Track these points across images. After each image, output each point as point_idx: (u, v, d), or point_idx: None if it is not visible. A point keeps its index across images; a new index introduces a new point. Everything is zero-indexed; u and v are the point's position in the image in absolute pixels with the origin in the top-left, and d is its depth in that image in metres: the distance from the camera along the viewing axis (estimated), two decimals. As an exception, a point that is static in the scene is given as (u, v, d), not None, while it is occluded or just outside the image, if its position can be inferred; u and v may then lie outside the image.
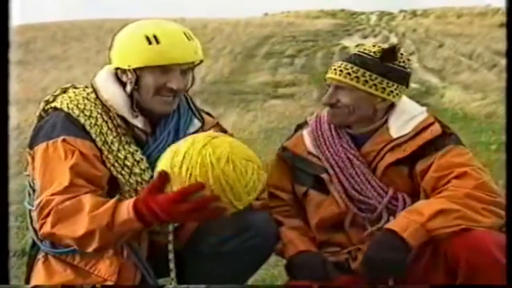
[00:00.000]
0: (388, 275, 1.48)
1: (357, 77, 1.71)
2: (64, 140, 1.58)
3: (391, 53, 1.72)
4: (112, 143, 1.64)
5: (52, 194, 1.53)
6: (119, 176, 1.64)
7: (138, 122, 1.68)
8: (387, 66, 1.73)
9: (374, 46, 1.79)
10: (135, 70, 1.63)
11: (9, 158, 1.57)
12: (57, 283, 1.57)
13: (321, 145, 1.79)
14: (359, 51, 1.77)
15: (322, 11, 32.63)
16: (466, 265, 1.47)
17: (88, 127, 1.63)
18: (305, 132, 1.87)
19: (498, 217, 1.55)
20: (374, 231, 1.66)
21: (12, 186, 1.58)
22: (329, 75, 1.77)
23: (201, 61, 1.72)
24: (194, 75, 1.77)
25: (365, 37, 21.56)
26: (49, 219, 1.51)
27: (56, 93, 1.74)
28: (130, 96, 1.67)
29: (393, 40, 20.50)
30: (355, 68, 1.72)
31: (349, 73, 1.71)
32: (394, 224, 1.53)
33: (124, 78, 1.68)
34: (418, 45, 18.19)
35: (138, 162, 1.66)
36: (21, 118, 5.95)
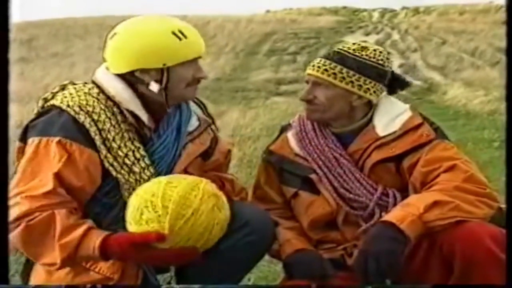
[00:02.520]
0: (386, 268, 1.45)
1: (334, 74, 1.72)
2: (59, 142, 1.54)
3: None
4: (113, 140, 1.61)
5: (27, 197, 1.48)
6: (119, 176, 1.62)
7: (145, 118, 1.67)
8: (366, 63, 1.74)
9: (354, 44, 1.81)
10: (168, 67, 1.61)
11: (10, 158, 1.56)
12: (57, 282, 1.56)
13: (306, 146, 1.79)
14: (338, 48, 1.79)
15: (324, 8, 32.61)
16: (462, 257, 1.47)
17: (88, 125, 1.59)
18: (290, 134, 1.87)
19: (490, 207, 1.56)
20: (368, 228, 1.65)
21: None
22: (307, 71, 1.79)
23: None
24: None
25: (367, 34, 21.53)
26: (18, 232, 1.45)
27: (55, 91, 1.70)
28: (140, 94, 1.66)
29: (396, 37, 20.48)
30: (332, 64, 1.73)
31: (326, 70, 1.73)
32: (391, 216, 1.52)
33: (145, 78, 1.63)
34: (420, 42, 18.16)
35: (138, 160, 1.64)
36: (23, 115, 5.96)
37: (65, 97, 1.65)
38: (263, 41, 19.57)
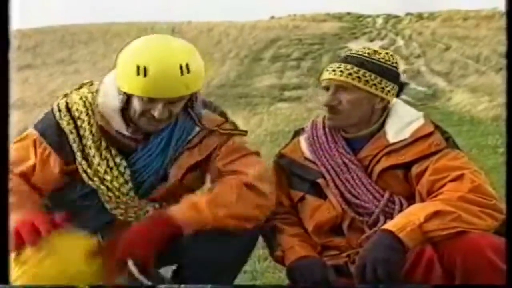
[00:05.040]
0: (382, 276, 1.46)
1: (359, 77, 1.72)
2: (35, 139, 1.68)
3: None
4: (90, 148, 1.68)
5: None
6: (90, 182, 1.67)
7: (124, 130, 1.69)
8: (383, 66, 1.75)
9: (364, 48, 1.84)
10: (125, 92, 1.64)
11: (9, 158, 1.57)
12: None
13: (317, 151, 1.79)
14: (352, 53, 1.81)
15: (329, 14, 32.68)
16: (463, 267, 1.47)
17: (68, 132, 1.68)
18: (302, 138, 1.87)
19: (494, 219, 1.54)
20: (372, 234, 1.65)
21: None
22: (328, 76, 1.77)
23: (196, 92, 1.71)
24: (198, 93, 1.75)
25: (371, 40, 21.56)
26: None
27: (74, 88, 1.80)
28: (121, 110, 1.69)
29: (400, 43, 20.49)
30: (355, 68, 1.73)
31: (350, 74, 1.72)
32: (391, 224, 1.52)
33: (121, 95, 1.67)
34: (424, 48, 18.16)
35: (111, 168, 1.68)
36: (27, 122, 5.99)
37: (68, 98, 1.73)
38: (267, 47, 19.62)
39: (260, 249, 2.34)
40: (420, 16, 29.33)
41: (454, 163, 1.64)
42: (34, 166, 1.68)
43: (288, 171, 1.84)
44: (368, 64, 1.74)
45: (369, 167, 1.72)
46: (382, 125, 1.77)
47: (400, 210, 1.65)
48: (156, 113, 1.63)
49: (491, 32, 20.73)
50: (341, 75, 1.73)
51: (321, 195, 1.75)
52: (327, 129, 1.81)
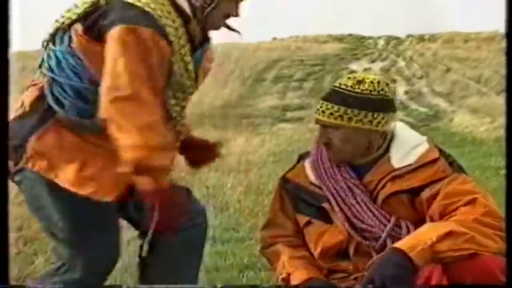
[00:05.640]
0: None
1: (341, 116, 1.72)
2: (152, 34, 1.59)
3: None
4: (185, 53, 1.71)
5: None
6: (182, 81, 1.71)
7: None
8: (366, 98, 1.73)
9: (349, 78, 1.79)
10: None
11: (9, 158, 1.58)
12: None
13: (322, 175, 1.80)
14: (335, 87, 1.79)
15: (330, 35, 32.84)
16: None
17: (167, 29, 1.64)
18: (307, 163, 1.87)
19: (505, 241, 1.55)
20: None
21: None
22: (315, 116, 1.80)
23: None
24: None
25: (373, 61, 21.64)
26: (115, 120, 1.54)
27: None
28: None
29: (401, 64, 20.58)
30: (335, 107, 1.72)
31: (331, 113, 1.72)
32: (402, 243, 1.53)
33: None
34: (426, 69, 18.22)
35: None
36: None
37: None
38: (270, 67, 19.71)
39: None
40: (421, 38, 29.46)
41: (464, 187, 1.65)
42: None
43: (293, 195, 1.85)
44: (350, 99, 1.72)
45: (374, 191, 1.73)
46: (387, 149, 1.77)
47: (407, 234, 1.65)
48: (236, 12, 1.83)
49: (491, 54, 20.82)
50: (323, 116, 1.75)
51: (327, 219, 1.76)
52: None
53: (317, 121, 1.79)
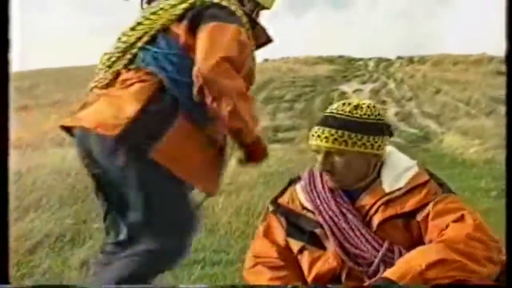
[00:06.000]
0: None
1: (345, 141, 1.70)
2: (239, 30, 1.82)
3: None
4: (253, 50, 1.96)
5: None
6: (252, 75, 2.00)
7: None
8: (367, 122, 1.73)
9: (344, 104, 1.77)
10: None
11: (9, 163, 1.59)
12: None
13: (315, 200, 1.78)
14: (332, 113, 1.76)
15: (321, 57, 33.09)
16: None
17: (241, 18, 1.87)
18: (299, 187, 1.85)
19: (495, 265, 1.55)
20: (371, 285, 1.64)
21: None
22: (315, 142, 1.74)
23: None
24: None
25: (363, 82, 21.82)
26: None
27: None
28: None
29: (391, 85, 20.75)
30: (339, 132, 1.70)
31: (336, 139, 1.70)
32: (392, 272, 1.52)
33: None
34: (415, 91, 18.39)
35: None
36: (21, 164, 5.96)
37: None
38: (261, 88, 19.78)
39: None
40: (411, 60, 29.77)
41: (453, 205, 1.66)
42: None
43: (285, 220, 1.83)
44: (352, 124, 1.71)
45: (367, 216, 1.72)
46: (378, 174, 1.77)
47: (389, 253, 1.65)
48: None
49: (479, 77, 21.05)
50: (327, 141, 1.71)
51: (320, 245, 1.74)
52: (324, 177, 1.81)
53: (319, 148, 1.74)
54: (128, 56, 1.86)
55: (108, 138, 1.70)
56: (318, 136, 1.73)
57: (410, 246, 1.66)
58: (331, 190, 1.77)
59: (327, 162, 1.73)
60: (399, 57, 31.39)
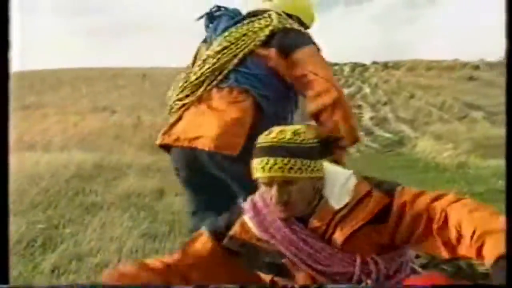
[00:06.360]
0: None
1: (300, 169, 1.65)
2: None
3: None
4: None
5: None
6: None
7: None
8: (308, 147, 1.68)
9: (281, 132, 1.69)
10: None
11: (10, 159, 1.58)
12: None
13: (267, 231, 1.72)
14: (272, 142, 1.67)
15: (297, 62, 33.21)
16: None
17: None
18: (247, 218, 1.76)
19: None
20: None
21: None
22: (268, 174, 1.65)
23: None
24: None
25: (338, 87, 21.96)
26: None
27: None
28: None
29: (366, 90, 20.95)
30: (292, 160, 1.64)
31: (291, 168, 1.64)
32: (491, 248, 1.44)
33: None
34: (390, 95, 18.62)
35: None
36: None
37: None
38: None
39: None
40: (385, 65, 30.12)
41: (413, 191, 1.66)
42: None
43: (242, 253, 1.76)
44: (298, 150, 1.66)
45: (326, 235, 1.67)
46: (321, 194, 1.72)
47: (378, 270, 1.64)
48: None
49: (452, 82, 21.41)
50: (282, 171, 1.64)
51: (289, 274, 1.70)
52: (270, 207, 1.73)
53: (272, 179, 1.65)
54: (219, 77, 2.10)
55: (228, 156, 2.01)
56: (270, 167, 1.64)
57: (381, 249, 1.66)
58: (281, 219, 1.71)
59: (283, 193, 1.66)
60: (374, 62, 31.74)
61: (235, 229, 1.77)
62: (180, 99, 2.17)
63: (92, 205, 4.52)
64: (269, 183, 1.67)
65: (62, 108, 15.70)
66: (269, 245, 1.72)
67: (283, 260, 1.69)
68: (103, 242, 3.39)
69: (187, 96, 2.16)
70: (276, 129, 1.69)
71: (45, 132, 11.09)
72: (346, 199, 1.67)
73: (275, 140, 1.67)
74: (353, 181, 1.72)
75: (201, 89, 2.12)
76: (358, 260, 1.65)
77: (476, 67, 25.89)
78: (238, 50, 2.11)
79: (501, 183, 6.22)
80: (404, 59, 31.77)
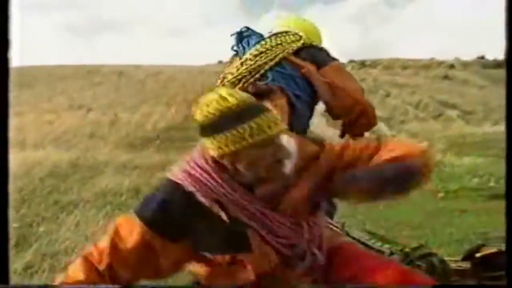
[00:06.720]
0: None
1: (277, 123, 1.53)
2: None
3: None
4: None
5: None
6: None
7: None
8: (256, 103, 1.56)
9: (226, 99, 1.50)
10: None
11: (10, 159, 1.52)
12: None
13: (227, 204, 1.57)
14: (241, 105, 1.51)
15: (275, 60, 33.29)
16: None
17: None
18: (198, 195, 1.58)
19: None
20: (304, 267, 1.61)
21: None
22: (269, 132, 1.50)
23: None
24: None
25: (316, 86, 22.08)
26: None
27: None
28: None
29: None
30: (268, 114, 1.54)
31: (275, 123, 1.52)
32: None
33: None
34: (367, 94, 18.67)
35: None
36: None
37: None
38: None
39: None
40: (362, 64, 30.40)
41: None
42: None
43: (187, 234, 1.59)
44: (257, 107, 1.55)
45: (272, 203, 1.59)
46: None
47: (320, 234, 1.63)
48: None
49: (428, 81, 21.68)
50: (270, 129, 1.53)
51: (249, 248, 1.59)
52: (223, 179, 1.59)
53: (268, 138, 1.48)
54: (257, 75, 2.30)
55: None
56: (269, 126, 1.50)
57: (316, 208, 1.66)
58: (234, 190, 1.58)
59: (277, 152, 1.53)
60: (351, 61, 31.98)
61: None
62: None
63: (68, 203, 4.48)
64: (263, 145, 1.50)
65: (37, 106, 15.51)
66: (227, 220, 1.56)
67: (245, 232, 1.58)
68: (78, 240, 3.36)
69: None
70: (212, 98, 1.50)
71: (20, 130, 10.95)
72: (292, 164, 1.57)
73: (236, 105, 1.50)
74: (292, 141, 1.60)
75: (238, 86, 2.28)
76: (306, 227, 1.62)
77: (451, 66, 26.27)
78: (274, 55, 2.35)
79: (475, 181, 6.33)
80: (381, 57, 32.09)
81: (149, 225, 1.51)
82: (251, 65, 2.34)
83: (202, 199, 1.55)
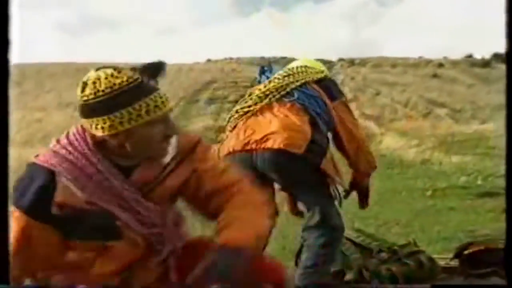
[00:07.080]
0: None
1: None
2: None
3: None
4: None
5: None
6: None
7: None
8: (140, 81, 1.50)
9: (111, 78, 1.44)
10: None
11: (10, 156, 1.45)
12: None
13: (96, 191, 1.49)
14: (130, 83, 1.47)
15: (263, 58, 33.30)
16: None
17: None
18: (64, 180, 1.47)
19: None
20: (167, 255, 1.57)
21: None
22: (169, 106, 1.53)
23: None
24: None
25: (305, 84, 22.07)
26: None
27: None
28: None
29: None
30: (160, 92, 1.55)
31: (167, 98, 1.55)
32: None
33: None
34: (356, 92, 18.80)
35: None
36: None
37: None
38: (204, 89, 19.73)
39: None
40: (351, 62, 30.45)
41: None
42: None
43: (63, 221, 1.49)
44: (148, 86, 1.54)
45: (146, 190, 1.55)
46: None
47: (176, 221, 1.62)
48: None
49: (417, 79, 21.77)
50: (163, 107, 1.52)
51: (120, 236, 1.53)
52: (96, 159, 1.51)
53: (169, 111, 1.51)
54: (283, 92, 2.53)
55: (296, 154, 2.34)
56: (156, 105, 1.48)
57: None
58: (111, 174, 1.51)
59: (168, 126, 1.52)
60: (340, 59, 32.03)
61: (57, 194, 1.47)
62: (242, 108, 2.57)
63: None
64: (157, 121, 1.48)
65: (25, 103, 15.39)
66: (98, 208, 1.50)
67: (115, 222, 1.51)
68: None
69: (249, 106, 2.54)
70: (99, 76, 1.44)
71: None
72: (173, 153, 1.56)
73: (128, 82, 1.46)
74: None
75: (265, 101, 2.52)
76: (170, 215, 1.60)
77: (440, 65, 26.40)
78: (299, 77, 2.59)
79: (464, 179, 6.37)
80: (370, 56, 32.16)
81: (28, 213, 1.45)
82: (278, 83, 2.59)
83: (63, 179, 1.46)
